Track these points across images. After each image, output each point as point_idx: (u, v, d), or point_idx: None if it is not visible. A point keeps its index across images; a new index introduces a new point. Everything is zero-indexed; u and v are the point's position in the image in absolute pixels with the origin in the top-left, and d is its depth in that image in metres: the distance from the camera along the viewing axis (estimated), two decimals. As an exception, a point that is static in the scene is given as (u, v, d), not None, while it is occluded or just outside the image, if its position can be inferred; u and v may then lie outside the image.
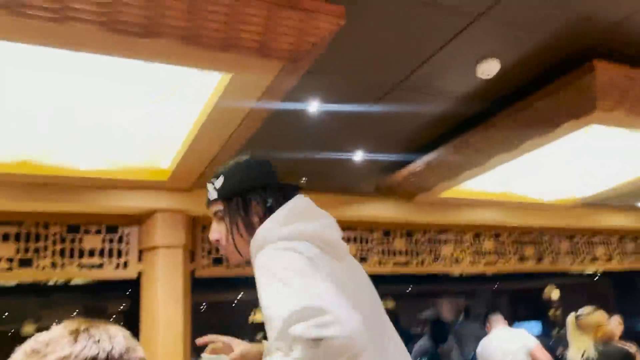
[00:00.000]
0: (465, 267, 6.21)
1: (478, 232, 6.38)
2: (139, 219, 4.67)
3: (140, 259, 4.63)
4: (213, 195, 1.56)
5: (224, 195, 1.55)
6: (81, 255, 4.56)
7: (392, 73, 3.49)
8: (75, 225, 4.59)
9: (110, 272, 4.59)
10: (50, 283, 4.59)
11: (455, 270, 6.23)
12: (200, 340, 1.58)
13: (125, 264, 4.65)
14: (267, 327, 1.17)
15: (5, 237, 4.36)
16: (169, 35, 2.48)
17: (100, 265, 4.58)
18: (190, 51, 2.56)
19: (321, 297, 1.10)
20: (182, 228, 4.60)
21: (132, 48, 2.52)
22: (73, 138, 3.56)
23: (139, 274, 4.60)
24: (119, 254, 4.66)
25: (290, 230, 1.38)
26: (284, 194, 1.52)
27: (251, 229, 1.46)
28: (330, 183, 5.05)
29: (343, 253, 1.44)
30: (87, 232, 4.63)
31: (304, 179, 4.66)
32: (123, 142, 3.65)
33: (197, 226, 4.97)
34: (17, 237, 4.41)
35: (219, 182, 1.57)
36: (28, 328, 6.54)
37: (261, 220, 1.45)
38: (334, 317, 1.06)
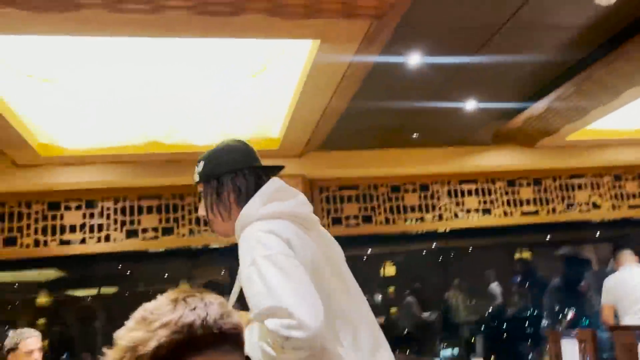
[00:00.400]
0: (606, 212, 5.80)
1: (617, 173, 5.90)
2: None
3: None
4: (195, 178, 1.70)
5: (203, 178, 1.69)
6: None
7: (496, 13, 3.28)
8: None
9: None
10: (196, 247, 4.97)
11: (594, 216, 5.84)
12: None
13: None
14: (248, 301, 1.42)
15: (149, 210, 4.77)
16: (253, 10, 2.55)
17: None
18: (275, 23, 2.61)
19: (290, 298, 1.32)
20: (300, 191, 4.75)
21: (221, 27, 2.63)
22: (189, 118, 3.81)
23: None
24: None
25: (269, 209, 1.56)
26: (258, 176, 1.68)
27: (226, 209, 1.66)
28: (444, 136, 4.93)
29: (315, 225, 1.65)
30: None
31: (415, 134, 4.59)
32: (233, 116, 3.83)
33: (314, 188, 5.11)
34: (159, 209, 4.78)
35: (200, 166, 1.71)
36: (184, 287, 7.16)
37: (236, 201, 1.64)
38: (299, 321, 1.31)
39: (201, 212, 1.71)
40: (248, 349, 1.45)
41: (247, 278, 1.43)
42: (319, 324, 1.33)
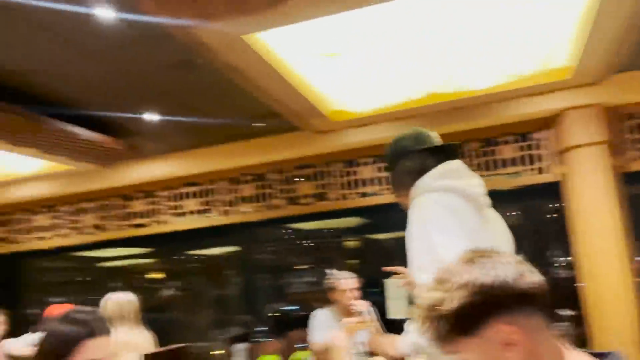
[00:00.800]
0: None
1: None
2: (549, 122, 4.55)
3: (559, 161, 4.53)
4: (385, 165, 2.17)
5: (388, 168, 2.13)
6: (498, 165, 4.75)
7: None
8: (489, 139, 4.78)
9: (529, 178, 4.64)
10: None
11: None
12: (386, 268, 2.15)
13: (541, 170, 4.65)
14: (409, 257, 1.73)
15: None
16: None
17: (517, 174, 4.65)
18: None
19: (449, 257, 1.32)
20: (600, 122, 4.28)
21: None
22: (467, 62, 3.69)
23: (561, 176, 4.51)
24: (534, 160, 4.68)
25: (440, 183, 1.88)
26: (423, 157, 2.01)
27: (405, 188, 2.00)
28: None
29: (485, 207, 1.91)
30: (502, 142, 4.76)
31: None
32: (513, 52, 3.59)
33: (619, 117, 4.49)
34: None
35: (385, 157, 2.13)
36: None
37: (412, 180, 1.96)
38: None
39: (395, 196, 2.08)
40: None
41: (412, 238, 1.77)
42: None
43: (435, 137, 2.08)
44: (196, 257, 6.87)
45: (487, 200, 1.94)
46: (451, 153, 2.03)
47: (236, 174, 5.53)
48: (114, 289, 3.85)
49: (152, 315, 4.85)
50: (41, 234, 6.04)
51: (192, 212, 5.65)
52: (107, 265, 6.69)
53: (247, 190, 5.50)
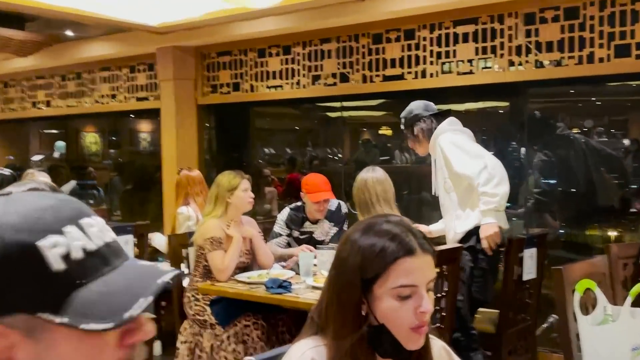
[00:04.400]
0: None
1: None
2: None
3: None
4: (402, 127, 3.59)
5: (404, 127, 3.56)
6: None
7: None
8: None
9: None
10: None
11: None
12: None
13: None
14: (453, 177, 3.35)
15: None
16: None
17: None
18: None
19: (481, 156, 3.27)
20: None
21: None
22: None
23: None
24: None
25: (453, 127, 3.44)
26: (432, 119, 3.49)
27: (419, 142, 3.52)
28: None
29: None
30: None
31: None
32: None
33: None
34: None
35: (402, 121, 3.58)
36: None
37: (424, 136, 3.49)
38: (499, 178, 3.21)
39: (409, 144, 3.62)
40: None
41: (449, 151, 3.32)
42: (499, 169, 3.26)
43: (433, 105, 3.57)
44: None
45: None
46: (447, 113, 3.52)
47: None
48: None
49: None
50: (273, 82, 5.59)
51: (463, 62, 4.48)
52: (345, 116, 6.16)
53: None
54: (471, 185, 3.27)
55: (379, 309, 1.24)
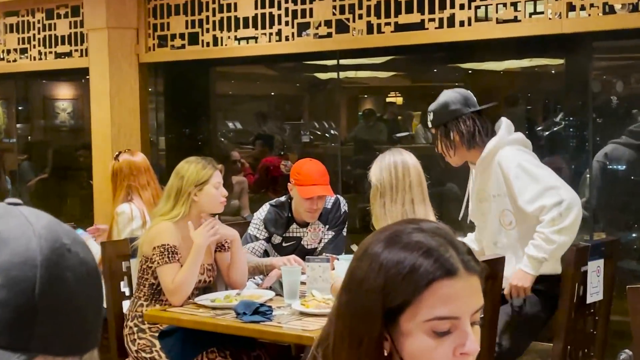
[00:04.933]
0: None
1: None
2: None
3: None
4: (429, 124, 3.72)
5: (434, 125, 3.65)
6: None
7: None
8: None
9: None
10: None
11: None
12: None
13: None
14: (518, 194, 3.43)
15: None
16: None
17: None
18: None
19: (556, 187, 3.37)
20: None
21: None
22: None
23: None
24: None
25: (514, 137, 3.58)
26: (474, 119, 3.58)
27: (452, 148, 3.60)
28: None
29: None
30: None
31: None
32: None
33: None
34: None
35: (431, 115, 3.66)
36: None
37: (460, 141, 3.56)
38: (569, 222, 3.31)
39: (437, 149, 3.69)
40: None
41: (516, 176, 3.40)
42: (573, 195, 3.40)
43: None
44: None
45: None
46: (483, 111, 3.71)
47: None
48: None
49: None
50: (244, 32, 5.58)
51: (505, 6, 4.48)
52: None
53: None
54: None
55: (406, 348, 1.24)
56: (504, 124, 3.57)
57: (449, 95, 3.63)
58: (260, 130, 7.44)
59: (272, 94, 7.93)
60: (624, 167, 4.84)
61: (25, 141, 8.34)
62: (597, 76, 5.05)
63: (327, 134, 6.76)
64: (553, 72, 5.47)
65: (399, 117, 6.90)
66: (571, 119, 5.21)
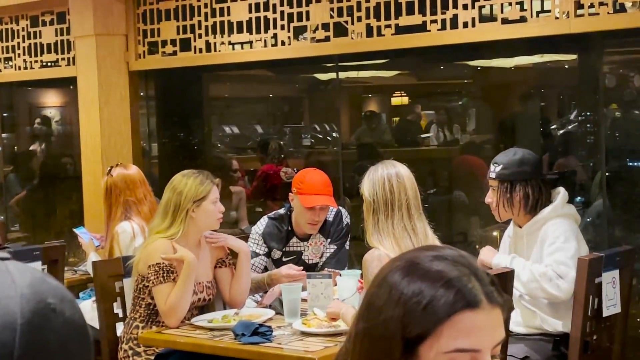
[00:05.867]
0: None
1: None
2: None
3: None
4: (491, 175, 3.77)
5: (498, 178, 3.73)
6: None
7: None
8: None
9: None
10: None
11: None
12: None
13: None
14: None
15: None
16: None
17: None
18: None
19: (568, 268, 3.53)
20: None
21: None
22: None
23: None
24: None
25: (565, 211, 3.73)
26: (544, 184, 3.78)
27: (511, 207, 3.71)
28: None
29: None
30: None
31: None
32: None
33: None
34: None
35: (498, 167, 3.75)
36: None
37: (522, 203, 3.70)
38: (568, 284, 3.52)
39: (488, 199, 3.81)
40: None
41: (553, 240, 3.63)
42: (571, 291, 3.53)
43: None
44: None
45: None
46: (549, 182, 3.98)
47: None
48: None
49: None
50: (238, 37, 5.62)
51: (511, 5, 4.51)
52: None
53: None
54: None
55: None
56: (561, 195, 3.72)
57: (524, 155, 3.77)
58: (256, 134, 7.43)
59: (270, 95, 7.91)
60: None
61: (11, 151, 8.34)
62: (610, 71, 5.07)
63: (328, 137, 6.76)
64: (567, 67, 5.44)
65: (408, 118, 6.86)
66: (587, 113, 5.24)
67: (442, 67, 6.32)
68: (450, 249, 1.35)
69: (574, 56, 5.19)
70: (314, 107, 7.32)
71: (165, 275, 3.49)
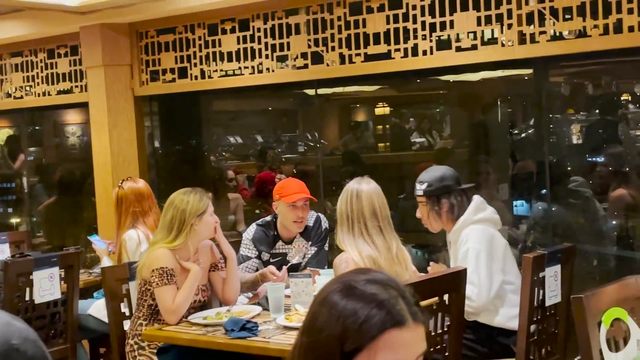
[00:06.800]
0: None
1: None
2: None
3: None
4: (419, 192, 3.79)
5: (426, 194, 3.76)
6: None
7: None
8: None
9: None
10: None
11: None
12: None
13: None
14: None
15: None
16: None
17: None
18: None
19: (475, 279, 3.54)
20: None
21: None
22: None
23: None
24: None
25: (479, 216, 3.71)
26: (464, 193, 3.78)
27: (439, 218, 3.75)
28: None
29: (500, 226, 3.86)
30: None
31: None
32: None
33: None
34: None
35: (423, 185, 3.76)
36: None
37: (447, 214, 3.74)
38: (480, 300, 3.58)
39: (418, 215, 3.85)
40: None
41: (464, 257, 3.61)
42: (485, 301, 3.58)
43: None
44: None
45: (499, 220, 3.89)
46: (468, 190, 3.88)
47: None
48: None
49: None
50: (229, 66, 5.64)
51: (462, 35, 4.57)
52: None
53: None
54: None
55: None
56: (473, 203, 3.75)
57: (443, 170, 3.83)
58: (257, 144, 7.44)
59: (269, 108, 7.84)
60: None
61: (38, 163, 8.31)
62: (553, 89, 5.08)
63: (318, 145, 6.69)
64: (526, 78, 5.38)
65: (387, 126, 6.77)
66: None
67: (418, 80, 6.24)
68: (381, 273, 1.37)
69: (530, 70, 5.13)
70: (301, 119, 7.27)
71: (168, 278, 3.53)
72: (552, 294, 3.55)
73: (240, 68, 5.50)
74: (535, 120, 5.22)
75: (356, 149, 6.53)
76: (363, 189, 3.47)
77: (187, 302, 3.56)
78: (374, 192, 3.48)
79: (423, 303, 3.14)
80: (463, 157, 5.75)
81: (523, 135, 5.63)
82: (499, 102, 5.75)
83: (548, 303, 3.54)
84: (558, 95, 5.24)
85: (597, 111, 5.22)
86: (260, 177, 6.74)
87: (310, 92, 5.72)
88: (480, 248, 3.62)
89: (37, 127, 8.30)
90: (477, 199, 3.79)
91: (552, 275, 3.54)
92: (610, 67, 5.11)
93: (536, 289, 3.48)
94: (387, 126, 6.65)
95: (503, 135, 5.69)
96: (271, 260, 4.17)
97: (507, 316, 3.65)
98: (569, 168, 5.05)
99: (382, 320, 1.27)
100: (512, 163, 5.36)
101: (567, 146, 5.25)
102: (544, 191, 4.82)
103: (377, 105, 6.64)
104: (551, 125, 5.06)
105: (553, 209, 4.82)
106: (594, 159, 5.02)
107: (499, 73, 5.29)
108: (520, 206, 5.27)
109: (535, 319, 3.53)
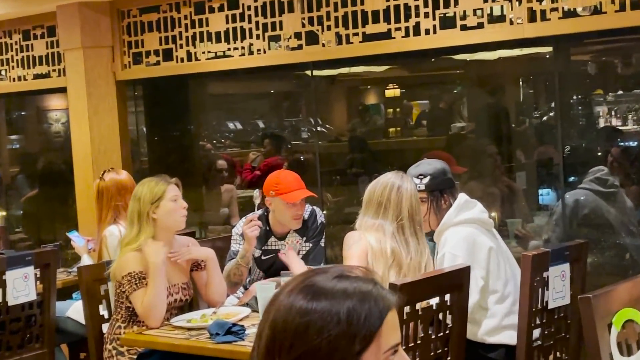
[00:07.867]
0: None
1: None
2: None
3: None
4: (420, 187, 3.63)
5: (428, 189, 3.67)
6: None
7: None
8: None
9: None
10: None
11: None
12: None
13: None
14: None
15: None
16: None
17: None
18: None
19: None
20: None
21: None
22: None
23: None
24: None
25: (461, 218, 3.62)
26: (455, 190, 3.81)
27: (440, 213, 3.67)
28: None
29: (491, 227, 3.78)
30: None
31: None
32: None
33: None
34: None
35: (426, 179, 3.68)
36: None
37: (446, 210, 3.66)
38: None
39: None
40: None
41: (440, 262, 3.54)
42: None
43: None
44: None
45: (492, 222, 3.82)
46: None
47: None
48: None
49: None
50: (217, 47, 5.64)
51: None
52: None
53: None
54: None
55: None
56: (455, 203, 3.67)
57: (443, 165, 3.78)
58: (258, 129, 7.42)
59: (270, 91, 7.79)
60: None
61: (19, 152, 8.32)
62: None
63: (323, 129, 6.67)
64: (547, 57, 5.34)
65: (397, 109, 6.73)
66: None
67: (432, 60, 6.19)
68: (332, 270, 1.43)
69: (550, 48, 5.10)
70: (300, 102, 7.23)
71: (137, 282, 3.55)
72: (558, 295, 3.51)
73: (229, 49, 5.49)
74: (557, 103, 5.19)
75: (362, 134, 6.53)
76: (406, 187, 3.47)
77: (158, 299, 3.54)
78: (413, 194, 3.49)
79: (423, 303, 3.19)
80: (479, 142, 5.76)
81: (544, 118, 5.62)
82: (520, 82, 5.77)
83: (552, 305, 3.51)
84: (584, 74, 5.24)
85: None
86: (268, 163, 6.74)
87: (307, 73, 5.73)
88: (457, 253, 3.51)
89: (17, 114, 8.31)
90: (461, 197, 3.70)
91: (559, 275, 3.51)
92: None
93: (539, 289, 3.45)
94: (398, 110, 6.63)
95: (523, 119, 5.69)
96: (263, 258, 4.17)
97: (489, 328, 3.57)
98: (599, 153, 5.05)
99: (380, 307, 1.37)
100: (533, 148, 5.36)
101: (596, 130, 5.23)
102: (571, 179, 4.81)
103: (387, 87, 6.63)
104: (579, 107, 5.06)
105: (582, 197, 4.73)
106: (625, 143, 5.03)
107: (517, 52, 5.29)
108: (546, 195, 5.29)
109: (539, 322, 3.50)
